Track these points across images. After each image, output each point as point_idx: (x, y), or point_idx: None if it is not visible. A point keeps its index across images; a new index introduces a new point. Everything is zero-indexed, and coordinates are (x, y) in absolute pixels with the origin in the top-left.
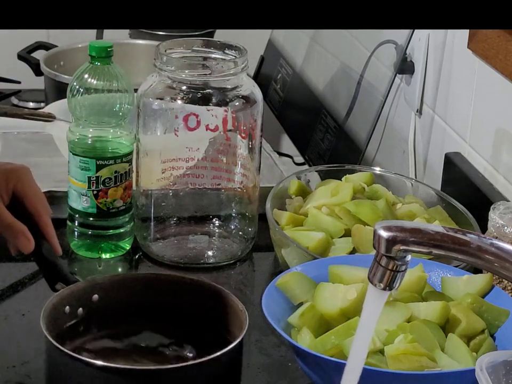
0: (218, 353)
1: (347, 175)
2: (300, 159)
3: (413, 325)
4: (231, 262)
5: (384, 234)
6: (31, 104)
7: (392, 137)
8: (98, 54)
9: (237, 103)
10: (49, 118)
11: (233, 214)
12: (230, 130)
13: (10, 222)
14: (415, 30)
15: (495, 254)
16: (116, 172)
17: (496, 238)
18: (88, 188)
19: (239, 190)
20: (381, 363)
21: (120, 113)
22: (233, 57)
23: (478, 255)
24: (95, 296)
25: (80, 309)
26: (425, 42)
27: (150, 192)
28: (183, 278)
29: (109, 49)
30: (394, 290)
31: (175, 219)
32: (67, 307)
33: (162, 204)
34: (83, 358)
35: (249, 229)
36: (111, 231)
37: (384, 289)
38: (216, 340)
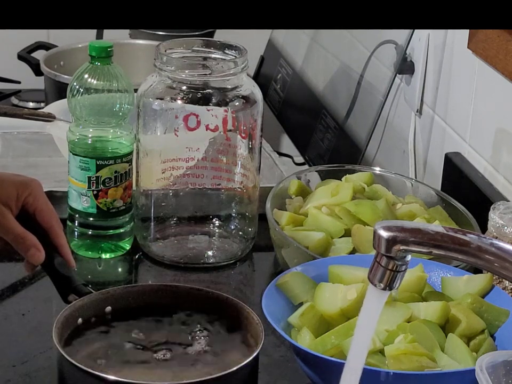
0: (235, 368)
1: (347, 175)
2: (300, 159)
3: (413, 325)
4: (231, 262)
5: (384, 234)
6: (31, 104)
7: (392, 137)
8: (98, 54)
9: (237, 103)
10: (49, 118)
11: (233, 214)
12: (230, 130)
13: (20, 233)
14: (415, 30)
15: (495, 254)
16: (116, 171)
17: (496, 238)
18: (88, 188)
19: (239, 190)
20: (381, 363)
21: (120, 113)
22: (233, 57)
23: (478, 255)
24: (108, 308)
25: (93, 320)
26: (425, 42)
27: (150, 192)
28: (199, 289)
29: (109, 49)
30: (394, 290)
31: (175, 219)
32: (80, 319)
33: (162, 204)
34: (95, 372)
35: (249, 229)
36: (111, 231)
37: (384, 289)
38: (232, 353)
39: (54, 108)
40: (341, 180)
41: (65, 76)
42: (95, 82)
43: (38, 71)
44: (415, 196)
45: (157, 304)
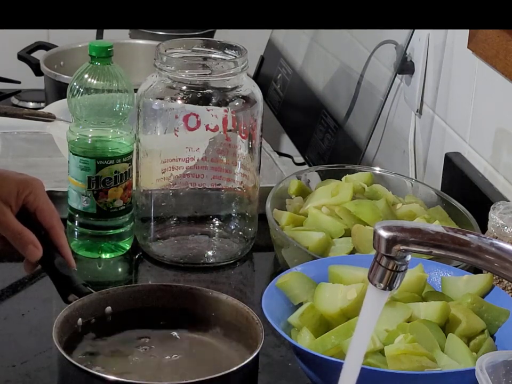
0: (235, 368)
1: (347, 175)
2: (300, 159)
3: (413, 325)
4: (231, 262)
5: (384, 234)
6: (31, 104)
7: (392, 137)
8: (98, 54)
9: (237, 103)
10: (49, 118)
11: (233, 214)
12: (230, 130)
13: (18, 230)
14: (415, 30)
15: (495, 254)
16: (116, 171)
17: (496, 238)
18: (88, 188)
19: (239, 190)
20: (381, 363)
21: (120, 113)
22: (233, 57)
23: (478, 255)
24: (108, 308)
25: (93, 320)
26: (425, 42)
27: (150, 192)
28: (199, 289)
29: (109, 49)
30: (394, 290)
31: (175, 219)
32: (79, 319)
33: (162, 204)
34: (95, 372)
35: (249, 229)
36: (111, 231)
37: (384, 289)
38: (232, 353)
39: (54, 108)
40: (341, 180)
41: (65, 76)
42: (95, 82)
43: (38, 71)
44: (415, 196)
45: (157, 304)
